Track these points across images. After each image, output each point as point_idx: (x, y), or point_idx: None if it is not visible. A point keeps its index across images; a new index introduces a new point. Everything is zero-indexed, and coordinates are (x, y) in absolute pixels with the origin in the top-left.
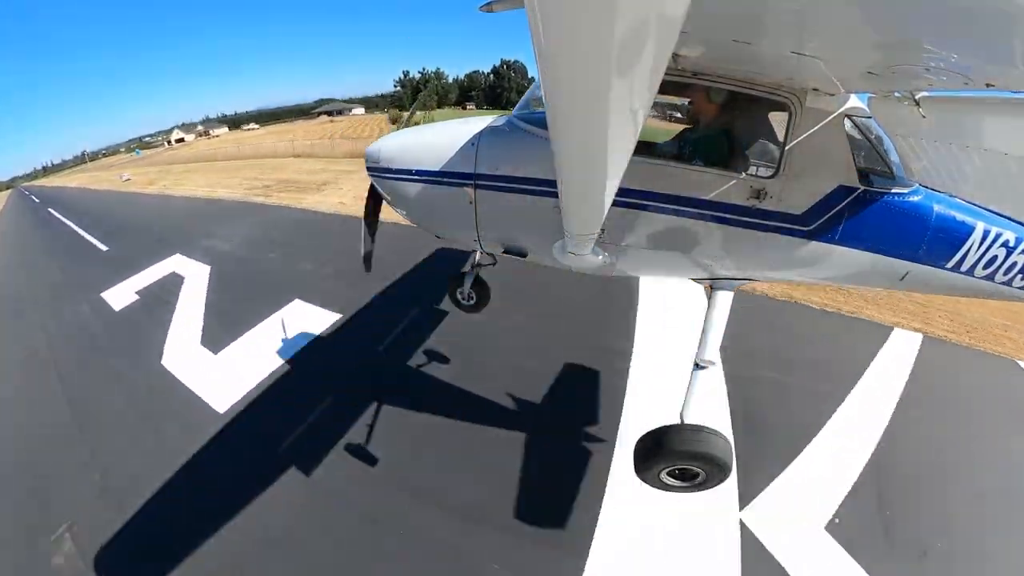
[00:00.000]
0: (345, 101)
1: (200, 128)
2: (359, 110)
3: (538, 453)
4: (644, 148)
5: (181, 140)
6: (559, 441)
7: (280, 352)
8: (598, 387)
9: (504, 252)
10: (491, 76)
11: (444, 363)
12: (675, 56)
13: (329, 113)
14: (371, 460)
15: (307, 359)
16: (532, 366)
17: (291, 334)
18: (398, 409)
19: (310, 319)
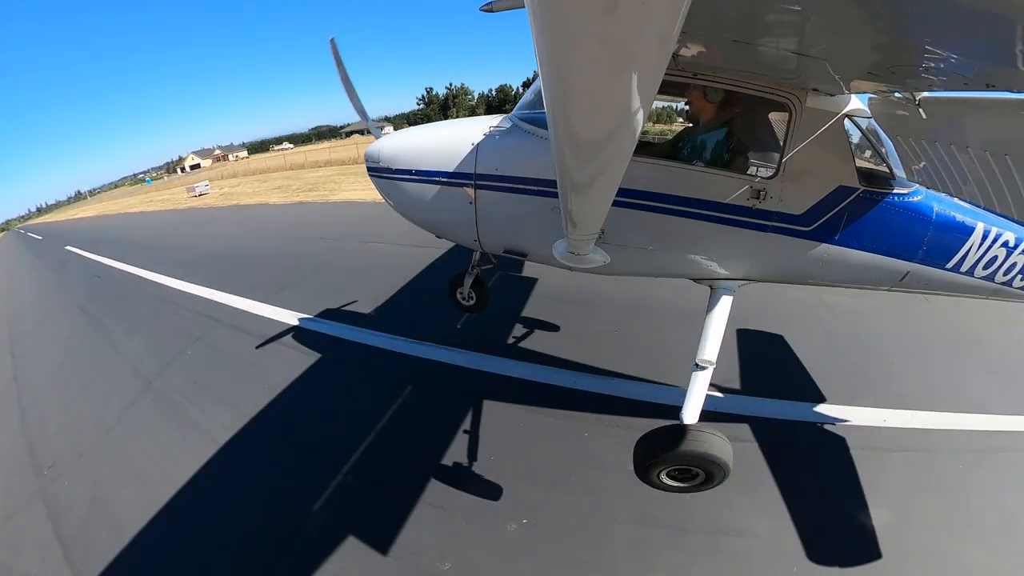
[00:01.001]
0: (379, 121)
1: (218, 152)
2: (389, 128)
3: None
4: (644, 148)
5: (197, 166)
6: None
7: None
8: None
9: (504, 252)
10: (522, 89)
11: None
12: (675, 56)
13: (361, 132)
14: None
15: None
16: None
17: None
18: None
19: None
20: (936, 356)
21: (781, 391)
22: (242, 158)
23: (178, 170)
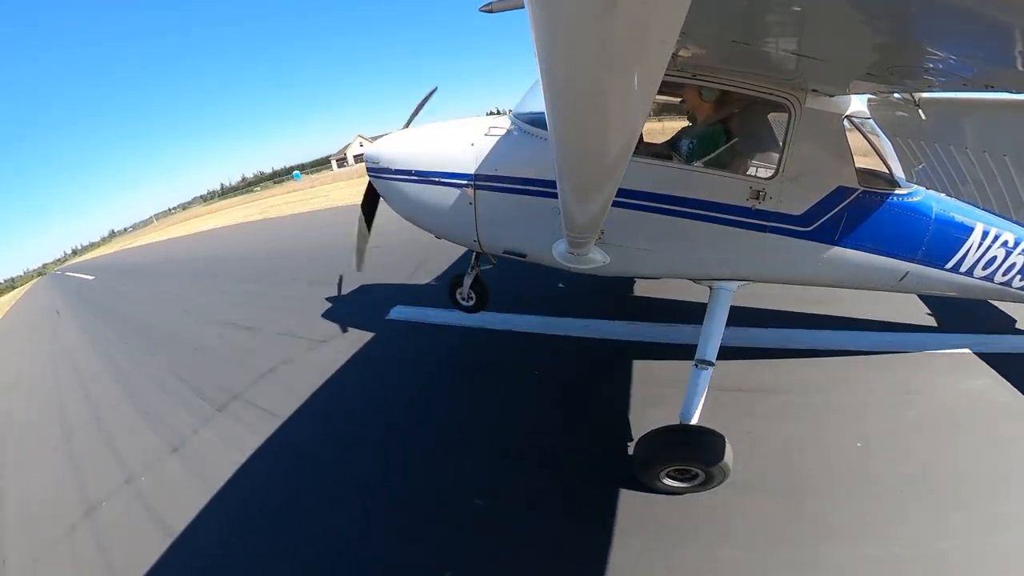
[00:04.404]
0: None
1: None
2: None
3: None
4: (644, 148)
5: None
6: None
7: None
8: None
9: (504, 252)
10: None
11: None
12: (675, 56)
13: None
14: None
15: None
16: None
17: None
18: None
19: None
20: None
21: None
22: None
23: (333, 163)
